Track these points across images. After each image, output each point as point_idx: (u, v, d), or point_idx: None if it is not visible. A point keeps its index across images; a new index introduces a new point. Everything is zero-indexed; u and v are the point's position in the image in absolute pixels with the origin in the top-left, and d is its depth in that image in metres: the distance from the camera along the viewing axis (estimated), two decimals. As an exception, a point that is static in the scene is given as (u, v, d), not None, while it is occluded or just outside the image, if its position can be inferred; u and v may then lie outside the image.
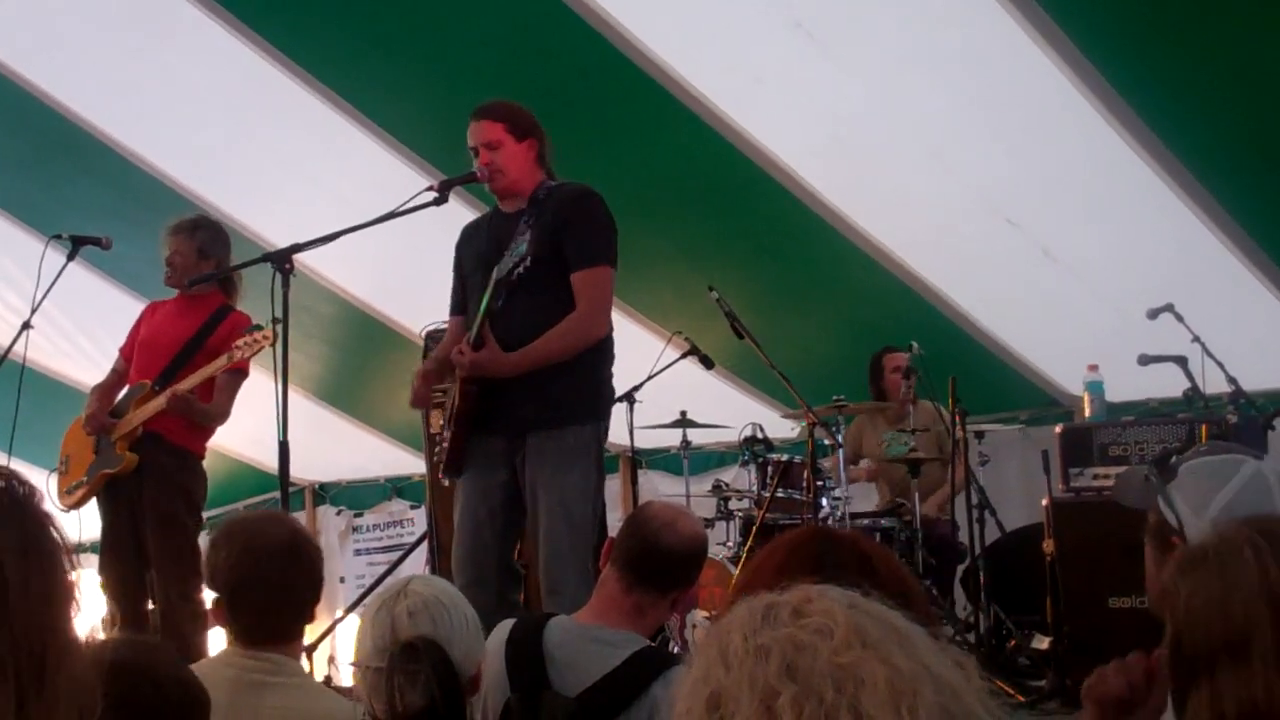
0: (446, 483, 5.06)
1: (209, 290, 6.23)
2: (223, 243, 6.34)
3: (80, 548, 6.69)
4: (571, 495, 4.79)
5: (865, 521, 7.20)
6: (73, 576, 1.45)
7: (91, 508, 6.25)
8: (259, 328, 5.85)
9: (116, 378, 6.45)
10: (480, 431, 4.94)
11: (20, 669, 1.31)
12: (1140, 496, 2.59)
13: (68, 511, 6.32)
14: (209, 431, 6.26)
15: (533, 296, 4.88)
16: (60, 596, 1.41)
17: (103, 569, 6.15)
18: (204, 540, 5.47)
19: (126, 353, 6.45)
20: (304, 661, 7.75)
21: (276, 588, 3.12)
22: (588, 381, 4.91)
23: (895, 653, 1.27)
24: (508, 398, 4.87)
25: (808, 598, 1.33)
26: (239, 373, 6.10)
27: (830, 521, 6.79)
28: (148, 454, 6.06)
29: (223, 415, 6.17)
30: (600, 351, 4.97)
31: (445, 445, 4.99)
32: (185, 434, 6.12)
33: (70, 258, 6.11)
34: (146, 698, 2.19)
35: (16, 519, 1.41)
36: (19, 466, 6.94)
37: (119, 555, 6.09)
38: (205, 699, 2.32)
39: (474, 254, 5.14)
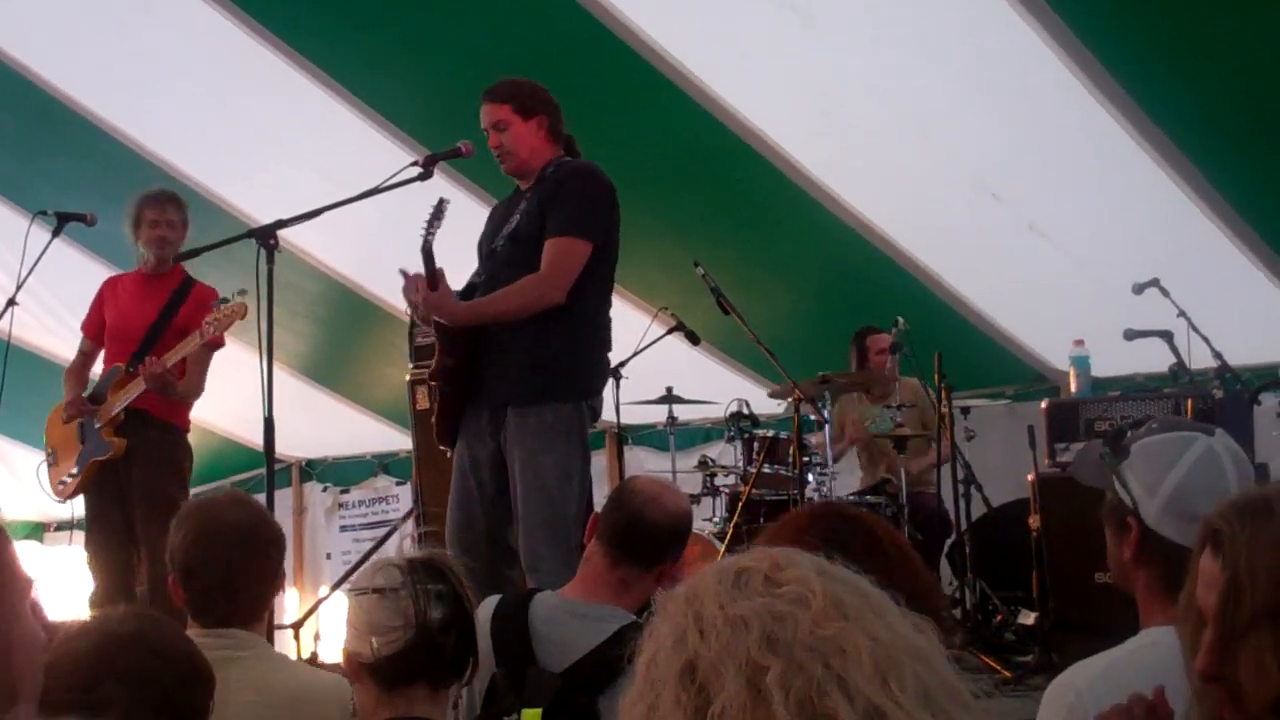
0: (449, 454, 5.04)
1: (170, 265, 6.21)
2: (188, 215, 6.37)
3: (69, 525, 6.69)
4: (549, 473, 4.76)
5: (851, 498, 7.21)
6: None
7: None
8: (226, 301, 5.83)
9: (83, 359, 6.46)
10: (470, 402, 4.93)
11: None
12: (1097, 474, 2.58)
13: (62, 502, 6.32)
14: (190, 404, 6.25)
15: (515, 273, 4.86)
16: None
17: (89, 546, 6.13)
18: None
19: (91, 332, 6.43)
20: (290, 640, 7.79)
21: (228, 571, 3.13)
22: (568, 358, 4.86)
23: (873, 622, 1.26)
24: (490, 369, 4.87)
25: (777, 564, 1.31)
26: (211, 346, 6.08)
27: (816, 499, 6.80)
28: (135, 432, 6.05)
29: (197, 390, 6.16)
30: (583, 327, 4.91)
31: (437, 406, 4.99)
32: (169, 408, 6.10)
33: (55, 234, 6.09)
34: (154, 670, 2.20)
35: None
36: (4, 442, 6.92)
37: (106, 533, 6.07)
38: (210, 673, 2.33)
39: (490, 228, 5.12)
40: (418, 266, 4.84)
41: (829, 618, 1.25)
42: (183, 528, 3.19)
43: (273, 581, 3.25)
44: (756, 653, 1.23)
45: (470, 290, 4.95)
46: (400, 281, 4.95)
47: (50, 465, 6.43)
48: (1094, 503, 2.60)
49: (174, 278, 6.22)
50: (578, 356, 4.91)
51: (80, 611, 5.77)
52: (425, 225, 4.75)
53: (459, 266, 5.21)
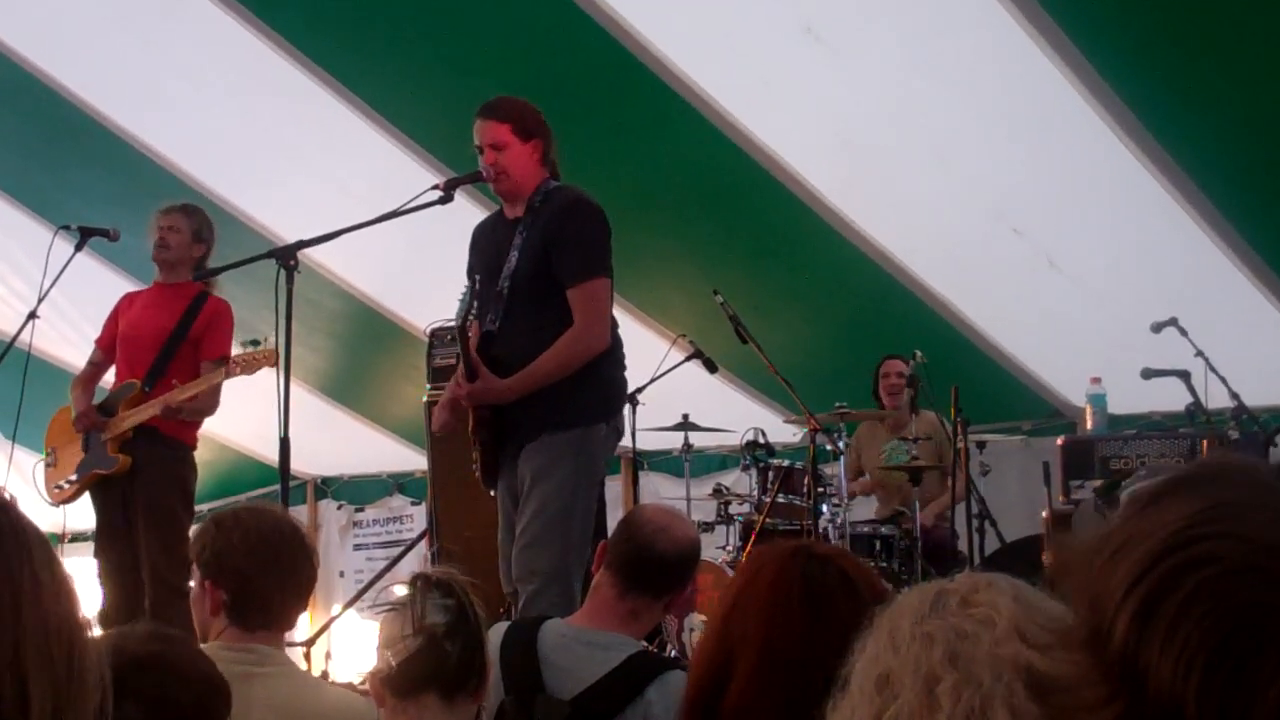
0: (493, 493, 5.03)
1: (185, 278, 6.24)
2: (212, 231, 6.37)
3: (77, 536, 6.71)
4: (551, 491, 4.73)
5: (865, 529, 7.20)
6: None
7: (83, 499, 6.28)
8: (256, 343, 5.87)
9: (93, 369, 6.46)
10: (502, 444, 4.94)
11: (56, 662, 1.35)
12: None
13: (56, 506, 6.33)
14: (201, 422, 6.28)
15: (528, 314, 4.84)
16: (71, 588, 1.44)
17: (98, 559, 6.14)
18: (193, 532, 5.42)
19: (104, 344, 6.43)
20: (301, 659, 7.78)
21: (289, 577, 3.16)
22: (586, 385, 4.83)
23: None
24: (510, 412, 4.85)
25: (975, 587, 1.42)
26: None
27: (830, 529, 6.79)
28: (142, 447, 6.05)
29: (210, 409, 6.17)
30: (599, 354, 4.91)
31: (477, 459, 4.99)
32: (180, 426, 6.11)
33: (78, 248, 6.12)
34: (173, 693, 2.20)
35: (22, 520, 1.43)
36: (22, 453, 6.90)
37: (114, 546, 6.08)
38: (226, 690, 2.33)
39: (482, 262, 5.06)
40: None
41: (1010, 639, 1.35)
42: (233, 533, 3.15)
43: (312, 590, 3.29)
44: (938, 666, 1.34)
45: (488, 338, 4.91)
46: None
47: (49, 466, 6.44)
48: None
49: (190, 290, 6.23)
50: (595, 382, 4.90)
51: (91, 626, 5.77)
52: (461, 312, 4.74)
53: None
